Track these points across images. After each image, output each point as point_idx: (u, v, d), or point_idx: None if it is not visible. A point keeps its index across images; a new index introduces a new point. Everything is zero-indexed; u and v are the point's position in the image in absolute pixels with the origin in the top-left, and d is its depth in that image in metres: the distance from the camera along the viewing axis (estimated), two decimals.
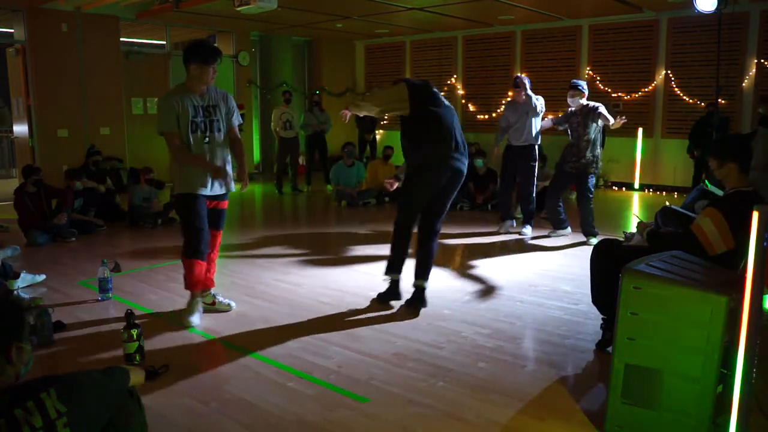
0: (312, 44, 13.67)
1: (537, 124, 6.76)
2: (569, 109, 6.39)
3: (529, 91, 6.68)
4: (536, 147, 6.82)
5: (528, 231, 6.84)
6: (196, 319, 4.03)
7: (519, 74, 7.27)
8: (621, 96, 10.27)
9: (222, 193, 4.09)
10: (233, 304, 4.34)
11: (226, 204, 4.20)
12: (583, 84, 6.33)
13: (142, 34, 11.83)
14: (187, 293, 4.12)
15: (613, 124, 6.23)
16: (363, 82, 13.95)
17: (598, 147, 6.31)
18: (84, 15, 9.68)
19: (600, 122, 6.22)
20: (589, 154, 6.21)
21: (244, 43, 12.20)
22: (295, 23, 11.12)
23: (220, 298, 4.33)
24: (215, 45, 3.97)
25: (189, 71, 3.91)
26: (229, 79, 12.08)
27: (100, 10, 9.54)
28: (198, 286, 4.08)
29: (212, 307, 4.26)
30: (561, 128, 6.58)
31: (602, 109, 6.22)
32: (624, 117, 6.41)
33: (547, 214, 6.77)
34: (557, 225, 6.66)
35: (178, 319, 4.07)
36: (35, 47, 9.28)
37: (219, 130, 4.00)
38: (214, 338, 3.81)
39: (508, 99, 6.98)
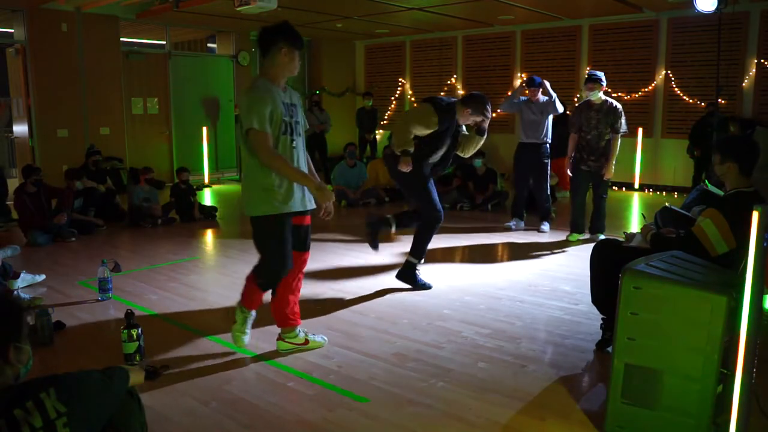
0: (312, 44, 13.66)
1: (550, 122, 6.86)
2: (582, 102, 6.22)
3: (551, 91, 6.80)
4: (548, 145, 6.87)
5: (546, 228, 6.88)
6: (247, 338, 3.56)
7: (535, 76, 7.22)
8: (621, 96, 10.26)
9: (310, 208, 3.44)
10: (326, 339, 3.71)
11: (309, 219, 3.53)
12: (602, 75, 6.08)
13: (142, 34, 11.82)
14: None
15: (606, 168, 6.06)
16: (363, 82, 13.95)
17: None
18: (84, 15, 9.67)
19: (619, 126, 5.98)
20: (608, 153, 6.03)
21: (244, 43, 12.19)
22: (295, 23, 10.99)
23: (312, 336, 3.63)
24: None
25: (278, 57, 3.24)
26: (229, 79, 12.08)
27: (100, 10, 9.54)
28: (254, 305, 3.55)
29: (305, 347, 3.55)
30: (576, 130, 6.20)
31: (623, 116, 6.03)
32: (610, 175, 6.11)
33: (572, 216, 6.50)
34: (577, 228, 6.45)
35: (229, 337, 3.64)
36: (35, 47, 9.28)
37: (300, 135, 3.39)
38: (213, 338, 3.81)
39: (523, 97, 7.00)
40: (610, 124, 6.02)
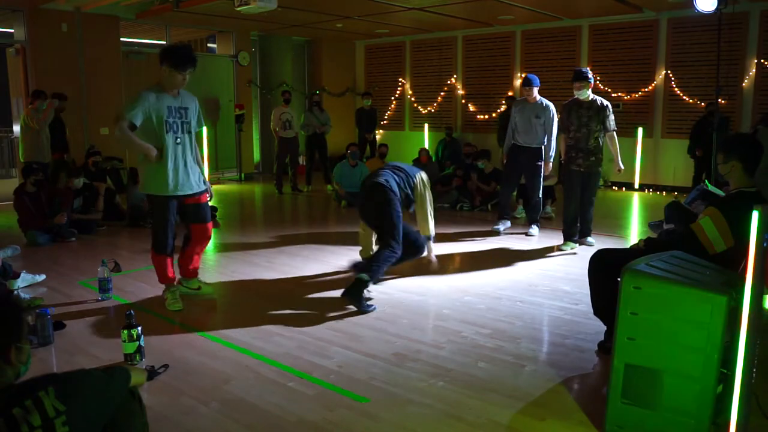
0: (312, 44, 13.67)
1: (548, 129, 6.61)
2: (570, 100, 6.03)
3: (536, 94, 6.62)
4: (543, 147, 6.67)
5: (535, 231, 6.76)
6: (178, 303, 4.35)
7: (531, 75, 7.00)
8: (621, 96, 10.27)
9: (199, 190, 4.25)
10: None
11: (205, 197, 4.34)
12: (589, 72, 5.93)
13: (142, 34, 11.83)
14: (185, 296, 4.23)
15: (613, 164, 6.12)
16: (363, 82, 13.96)
17: (602, 143, 5.98)
18: (84, 15, 9.67)
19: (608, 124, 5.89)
20: (598, 152, 5.91)
21: (244, 43, 12.20)
22: (295, 23, 11.12)
23: (205, 284, 4.67)
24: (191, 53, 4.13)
25: (163, 74, 4.03)
26: (229, 79, 12.09)
27: (100, 10, 9.54)
28: (171, 280, 4.38)
29: (198, 292, 4.56)
30: (569, 131, 6.00)
31: (612, 113, 5.93)
32: (622, 168, 6.16)
33: (564, 225, 6.20)
34: (570, 237, 6.15)
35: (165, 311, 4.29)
36: (35, 47, 9.28)
37: (188, 133, 4.16)
38: (214, 338, 3.81)
39: (518, 98, 6.85)
40: (600, 121, 5.86)
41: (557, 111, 6.57)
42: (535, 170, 6.71)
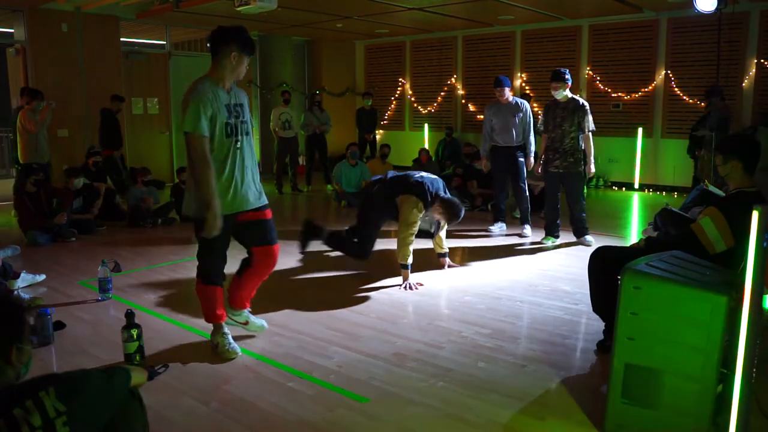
0: (312, 44, 13.67)
1: (526, 127, 6.69)
2: (550, 101, 6.08)
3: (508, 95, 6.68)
4: (523, 144, 6.73)
5: (528, 231, 6.77)
6: (234, 347, 3.52)
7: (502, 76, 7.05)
8: (621, 96, 10.27)
9: (260, 204, 3.49)
10: (266, 324, 3.87)
11: (269, 213, 3.54)
12: (567, 72, 5.96)
13: (142, 34, 11.82)
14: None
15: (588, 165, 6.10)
16: (363, 82, 13.96)
17: (581, 143, 6.01)
18: (84, 15, 9.67)
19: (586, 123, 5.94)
20: (575, 153, 5.97)
21: None
22: (295, 23, 11.11)
23: (254, 319, 3.82)
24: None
25: (226, 60, 3.28)
26: None
27: (100, 10, 9.55)
28: (221, 318, 3.55)
29: (245, 327, 3.78)
30: (544, 129, 6.17)
31: (590, 114, 5.96)
32: (593, 171, 6.16)
33: (545, 222, 6.41)
34: (549, 231, 6.34)
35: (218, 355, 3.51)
36: (35, 47, 9.28)
37: (246, 134, 3.42)
38: None
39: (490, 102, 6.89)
40: (576, 122, 5.89)
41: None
42: (516, 170, 6.76)
